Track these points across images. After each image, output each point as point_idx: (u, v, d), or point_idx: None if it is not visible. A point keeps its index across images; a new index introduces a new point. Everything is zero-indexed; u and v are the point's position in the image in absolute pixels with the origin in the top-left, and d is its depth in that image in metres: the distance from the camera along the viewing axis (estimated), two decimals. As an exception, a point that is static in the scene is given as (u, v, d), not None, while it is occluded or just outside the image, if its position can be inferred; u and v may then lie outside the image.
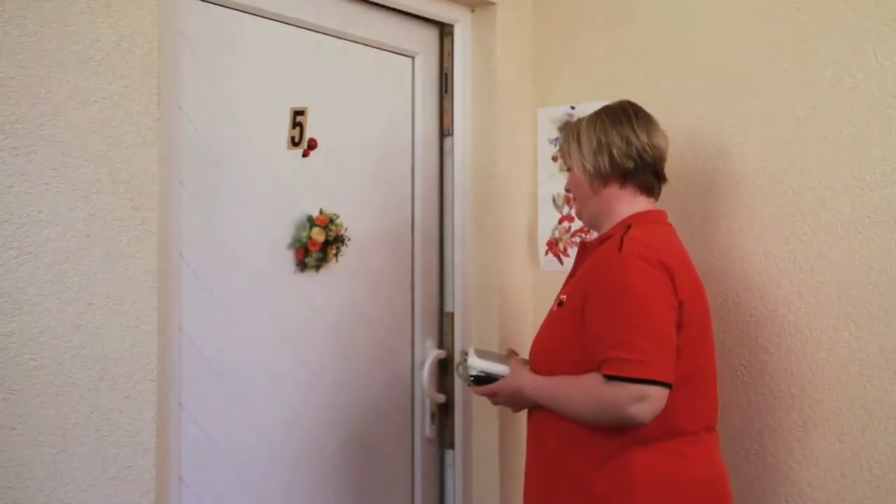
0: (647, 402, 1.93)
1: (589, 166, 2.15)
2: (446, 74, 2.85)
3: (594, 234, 2.75)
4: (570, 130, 2.23)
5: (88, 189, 1.83)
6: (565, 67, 2.85)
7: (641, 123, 2.15)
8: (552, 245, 2.84)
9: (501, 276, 2.80)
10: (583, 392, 2.01)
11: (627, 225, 2.10)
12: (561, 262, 2.80)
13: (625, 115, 2.17)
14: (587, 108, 2.77)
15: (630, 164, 2.12)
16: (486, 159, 2.83)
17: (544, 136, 2.87)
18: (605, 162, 2.14)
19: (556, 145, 2.84)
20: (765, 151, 2.49)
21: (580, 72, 2.81)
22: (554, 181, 2.83)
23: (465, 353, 2.29)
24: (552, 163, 2.84)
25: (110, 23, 1.87)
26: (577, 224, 2.78)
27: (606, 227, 2.16)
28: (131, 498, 1.87)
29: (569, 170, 2.23)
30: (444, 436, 2.81)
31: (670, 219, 2.47)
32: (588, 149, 2.16)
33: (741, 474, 2.49)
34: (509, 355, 2.28)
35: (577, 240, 2.78)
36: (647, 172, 2.15)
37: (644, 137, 2.14)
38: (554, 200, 2.83)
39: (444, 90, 2.85)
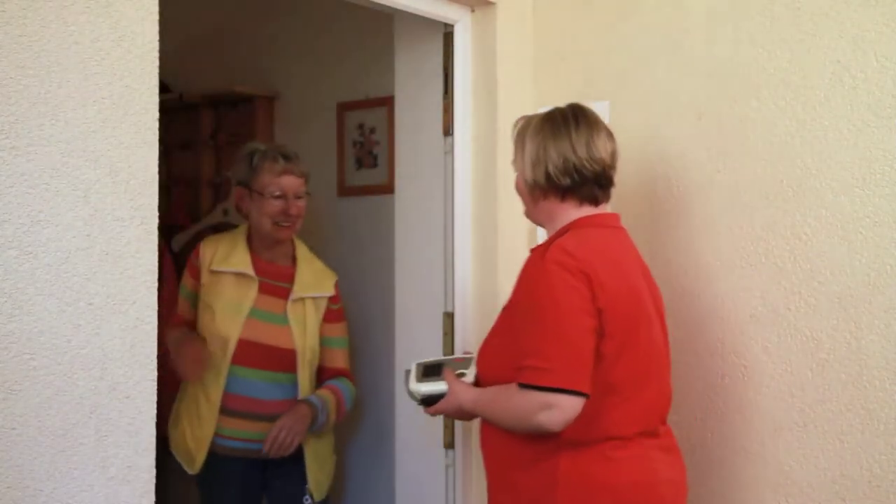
0: (554, 410, 1.93)
1: (528, 178, 2.16)
2: (446, 74, 2.85)
3: (594, 234, 2.76)
4: (519, 132, 2.22)
5: (88, 189, 1.82)
6: (565, 67, 2.85)
7: (582, 134, 2.12)
8: (552, 245, 2.84)
9: (501, 276, 2.79)
10: (503, 402, 2.04)
11: (565, 230, 2.12)
12: (561, 262, 2.80)
13: (565, 125, 2.13)
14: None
15: (567, 182, 2.12)
16: (486, 159, 2.82)
17: (544, 136, 2.86)
18: (541, 177, 2.13)
19: (556, 145, 2.83)
20: (765, 151, 2.49)
21: (580, 72, 2.81)
22: (554, 181, 2.82)
23: (408, 371, 2.28)
24: (552, 163, 2.84)
25: (110, 23, 1.86)
26: (577, 224, 2.79)
27: (551, 233, 2.17)
28: (131, 498, 1.87)
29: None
30: (444, 436, 2.81)
31: (670, 219, 2.47)
32: (528, 159, 2.15)
33: (741, 474, 2.49)
34: (464, 359, 2.31)
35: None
36: (586, 186, 2.13)
37: (583, 152, 2.10)
38: (554, 200, 2.83)
39: (444, 90, 2.85)
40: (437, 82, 2.85)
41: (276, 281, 2.96)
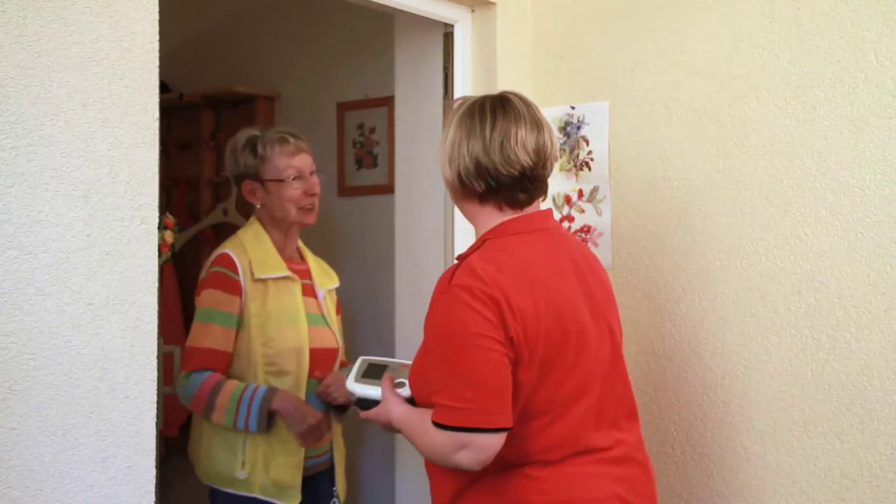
0: (470, 449, 1.81)
1: (445, 175, 1.98)
2: (446, 74, 2.85)
3: (594, 234, 2.76)
4: (448, 119, 2.01)
5: (88, 189, 1.82)
6: (565, 67, 2.85)
7: (497, 132, 1.90)
8: (552, 245, 2.83)
9: (501, 276, 2.79)
10: (423, 435, 1.90)
11: (482, 241, 1.94)
12: (561, 262, 2.80)
13: (481, 121, 1.92)
14: (587, 108, 2.78)
15: (481, 186, 1.92)
16: (486, 159, 2.82)
17: (544, 136, 2.86)
18: (455, 178, 1.94)
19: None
20: (765, 151, 2.49)
21: (580, 72, 2.81)
22: (554, 181, 2.81)
23: (353, 365, 2.16)
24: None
25: (110, 23, 1.86)
26: (578, 224, 2.79)
27: (476, 236, 2.01)
28: (131, 498, 1.87)
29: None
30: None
31: (670, 219, 2.47)
32: (446, 155, 1.96)
33: (740, 474, 2.49)
34: (408, 366, 2.12)
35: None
36: (504, 191, 1.92)
37: (496, 155, 1.89)
38: (554, 200, 2.83)
39: (444, 90, 2.86)
40: (437, 82, 2.86)
41: (305, 279, 2.73)
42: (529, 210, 1.98)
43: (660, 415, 2.61)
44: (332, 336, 2.72)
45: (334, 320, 2.78)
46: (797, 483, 2.42)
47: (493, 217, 1.96)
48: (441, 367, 1.86)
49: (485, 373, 1.81)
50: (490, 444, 1.81)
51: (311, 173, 2.71)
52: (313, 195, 2.70)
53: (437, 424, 1.85)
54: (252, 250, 2.63)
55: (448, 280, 1.88)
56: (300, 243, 2.82)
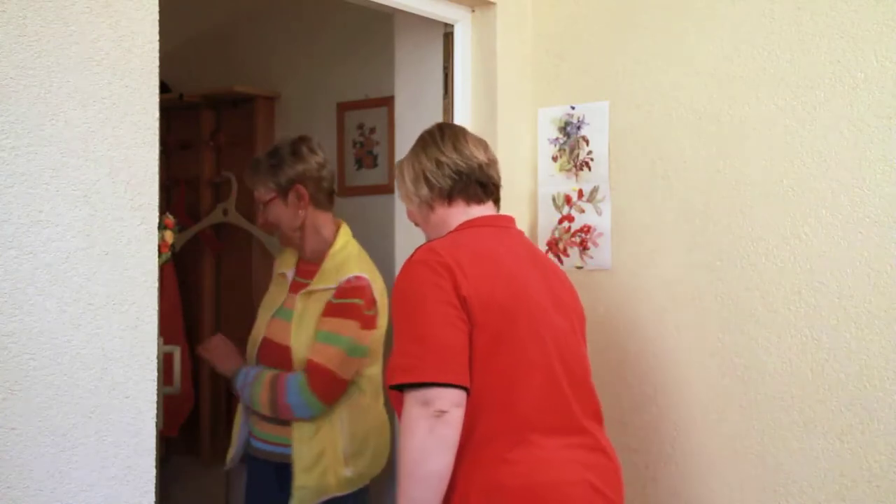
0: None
1: (414, 197, 2.21)
2: (446, 74, 2.85)
3: (594, 234, 2.76)
4: (397, 168, 2.28)
5: (88, 189, 1.82)
6: (565, 67, 2.85)
7: (447, 141, 2.19)
8: (552, 245, 2.84)
9: (501, 276, 2.79)
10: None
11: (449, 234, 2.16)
12: (561, 262, 2.80)
13: (431, 138, 2.22)
14: (587, 108, 2.78)
15: (448, 183, 2.16)
16: (486, 159, 2.82)
17: (544, 136, 2.87)
18: (423, 188, 2.19)
19: (556, 145, 2.84)
20: (765, 151, 2.49)
21: (580, 72, 2.81)
22: (554, 181, 2.83)
23: None
24: (552, 163, 2.84)
25: (110, 23, 1.86)
26: (578, 224, 2.79)
27: None
28: (131, 498, 1.87)
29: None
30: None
31: (670, 219, 2.46)
32: (410, 180, 2.21)
33: (741, 474, 2.49)
34: None
35: (578, 240, 2.78)
36: (468, 184, 2.17)
37: (453, 154, 2.17)
38: (554, 200, 2.84)
39: (444, 90, 2.85)
40: (437, 82, 2.86)
41: (303, 278, 2.81)
42: (489, 213, 2.20)
43: (660, 415, 2.61)
44: (286, 333, 2.75)
45: (304, 318, 2.73)
46: (797, 483, 2.42)
47: (463, 212, 2.17)
48: (397, 334, 1.97)
49: (437, 331, 1.92)
50: (447, 399, 1.88)
51: (264, 204, 2.84)
52: (262, 224, 2.90)
53: (392, 387, 1.95)
54: (285, 251, 2.97)
55: (410, 258, 2.04)
56: (337, 245, 2.83)
